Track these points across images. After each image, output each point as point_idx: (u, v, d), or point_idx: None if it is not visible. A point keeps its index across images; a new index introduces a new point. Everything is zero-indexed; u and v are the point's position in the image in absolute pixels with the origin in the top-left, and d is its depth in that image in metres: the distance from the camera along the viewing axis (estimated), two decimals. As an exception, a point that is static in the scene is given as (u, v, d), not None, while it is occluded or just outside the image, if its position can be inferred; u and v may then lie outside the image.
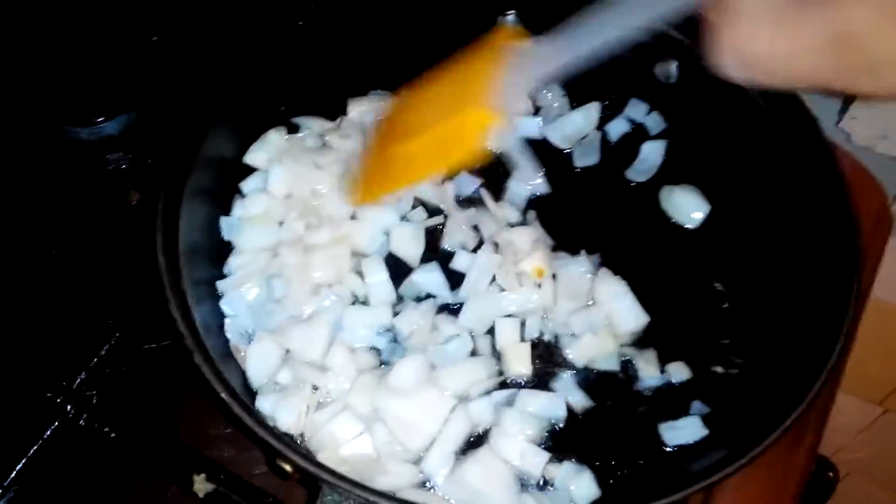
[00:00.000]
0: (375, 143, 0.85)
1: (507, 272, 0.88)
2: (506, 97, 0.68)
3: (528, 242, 0.91)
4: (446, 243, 0.93)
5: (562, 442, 0.81)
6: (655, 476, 0.78)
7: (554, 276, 0.89)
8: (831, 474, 0.94)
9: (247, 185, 0.93)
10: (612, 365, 0.86)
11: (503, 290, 0.88)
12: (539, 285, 0.88)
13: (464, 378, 0.82)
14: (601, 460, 0.79)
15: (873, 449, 1.67)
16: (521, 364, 0.85)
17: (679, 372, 0.85)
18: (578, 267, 0.89)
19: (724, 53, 0.49)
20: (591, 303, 0.88)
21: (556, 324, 0.88)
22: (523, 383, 0.85)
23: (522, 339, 0.87)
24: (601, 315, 0.87)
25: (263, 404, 0.80)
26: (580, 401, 0.83)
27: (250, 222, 0.90)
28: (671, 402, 0.83)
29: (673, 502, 0.67)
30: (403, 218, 0.94)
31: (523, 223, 0.95)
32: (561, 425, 0.82)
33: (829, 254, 0.78)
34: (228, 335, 0.83)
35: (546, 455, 0.78)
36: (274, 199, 0.92)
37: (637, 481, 0.78)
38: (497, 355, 0.86)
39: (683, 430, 0.80)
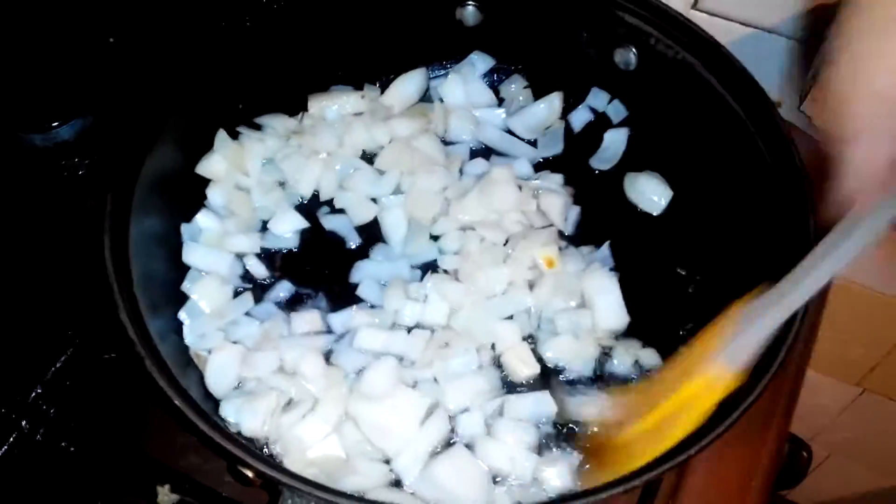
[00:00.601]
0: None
1: (518, 259, 0.87)
2: (738, 353, 0.67)
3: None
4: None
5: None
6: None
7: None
8: (805, 454, 0.94)
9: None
10: (586, 370, 0.85)
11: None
12: (531, 286, 0.88)
13: (468, 392, 0.81)
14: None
15: (853, 430, 1.68)
16: (526, 366, 0.84)
17: (650, 358, 0.85)
18: (577, 263, 0.89)
19: None
20: (578, 303, 0.88)
21: (542, 320, 0.87)
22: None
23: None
24: (588, 317, 0.86)
25: (227, 409, 0.78)
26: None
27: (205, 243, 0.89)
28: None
29: (647, 481, 0.66)
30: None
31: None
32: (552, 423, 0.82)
33: (785, 236, 0.78)
34: (187, 341, 0.82)
35: (535, 458, 0.78)
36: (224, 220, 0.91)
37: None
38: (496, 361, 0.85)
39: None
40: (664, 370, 0.78)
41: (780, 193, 0.80)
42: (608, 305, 0.86)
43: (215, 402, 0.80)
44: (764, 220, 0.83)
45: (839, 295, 1.33)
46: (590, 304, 0.87)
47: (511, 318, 0.87)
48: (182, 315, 0.84)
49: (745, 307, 0.68)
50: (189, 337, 0.83)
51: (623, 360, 0.85)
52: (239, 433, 0.77)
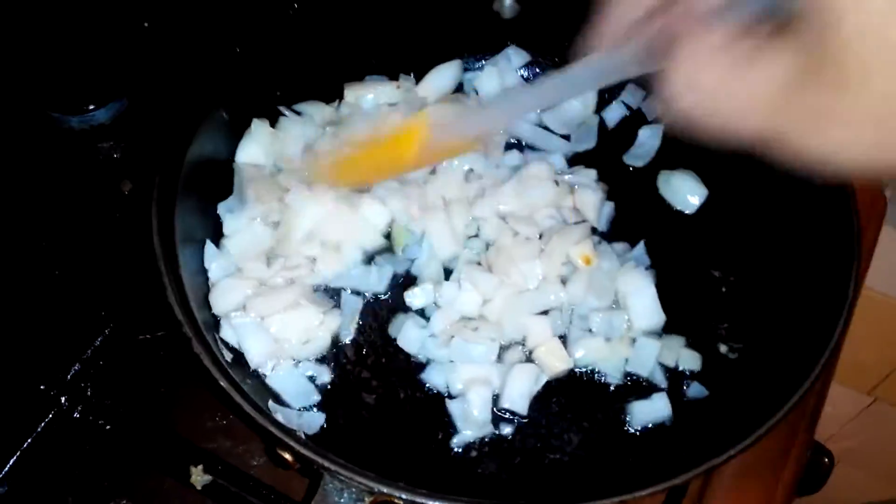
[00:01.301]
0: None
1: (552, 254, 0.88)
2: (449, 128, 0.73)
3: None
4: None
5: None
6: (652, 461, 0.79)
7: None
8: (827, 460, 0.94)
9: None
10: (615, 373, 0.85)
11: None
12: (564, 282, 0.88)
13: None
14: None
15: (863, 438, 1.68)
16: (559, 360, 0.84)
17: (689, 360, 0.85)
18: (612, 261, 0.89)
19: (676, 89, 0.47)
20: (612, 301, 0.88)
21: (574, 317, 0.87)
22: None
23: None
24: (621, 318, 0.86)
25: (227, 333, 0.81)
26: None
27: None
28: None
29: (674, 486, 0.67)
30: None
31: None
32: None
33: (826, 240, 0.78)
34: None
35: None
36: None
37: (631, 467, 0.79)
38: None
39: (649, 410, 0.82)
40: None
41: (819, 194, 0.80)
42: (644, 304, 0.86)
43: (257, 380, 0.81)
44: (801, 221, 0.83)
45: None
46: (624, 303, 0.87)
47: (545, 313, 0.87)
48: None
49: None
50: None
51: (666, 358, 0.85)
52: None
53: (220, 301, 0.82)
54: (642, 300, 0.86)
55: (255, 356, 0.80)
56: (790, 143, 0.44)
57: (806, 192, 0.83)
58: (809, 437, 0.87)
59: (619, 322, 0.86)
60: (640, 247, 0.91)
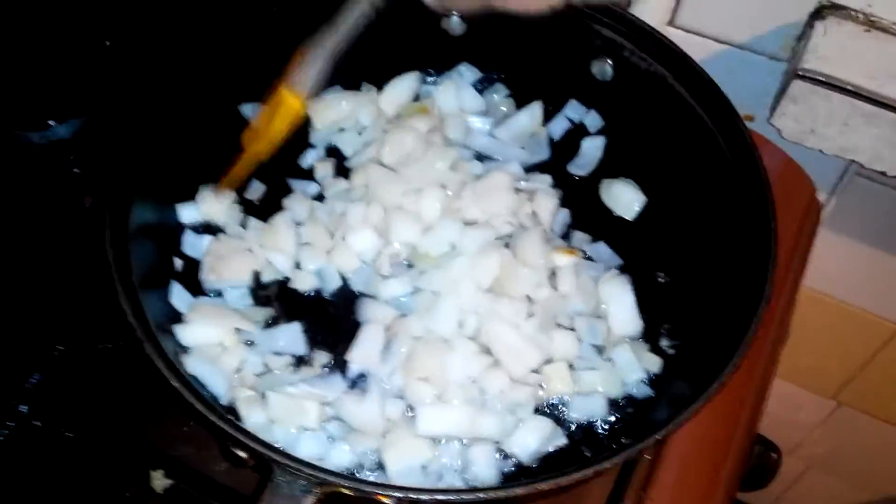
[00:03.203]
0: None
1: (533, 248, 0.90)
2: (304, 77, 0.82)
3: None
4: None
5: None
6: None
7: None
8: (774, 455, 0.97)
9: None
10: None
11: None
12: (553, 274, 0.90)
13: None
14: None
15: (830, 443, 1.70)
16: (562, 383, 0.85)
17: (652, 364, 0.88)
18: (596, 268, 0.92)
19: None
20: (594, 307, 0.90)
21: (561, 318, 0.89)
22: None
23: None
24: (604, 326, 0.89)
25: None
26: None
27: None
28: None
29: (625, 460, 0.71)
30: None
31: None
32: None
33: (748, 238, 0.82)
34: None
35: None
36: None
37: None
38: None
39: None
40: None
41: (744, 197, 0.85)
42: (623, 311, 0.89)
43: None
44: (730, 223, 0.87)
45: (815, 308, 1.38)
46: (605, 310, 0.90)
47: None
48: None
49: (305, 50, 0.83)
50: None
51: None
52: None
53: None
54: (622, 307, 0.89)
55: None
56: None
57: (733, 196, 0.87)
58: (751, 430, 0.90)
59: (601, 328, 0.89)
60: (604, 246, 0.95)
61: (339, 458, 0.80)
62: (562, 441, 0.83)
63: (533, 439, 0.81)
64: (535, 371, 0.86)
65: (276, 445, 0.67)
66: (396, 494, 0.64)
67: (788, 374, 1.55)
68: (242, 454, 0.68)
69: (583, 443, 0.83)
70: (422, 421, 0.81)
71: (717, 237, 0.90)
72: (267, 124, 0.85)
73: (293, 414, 0.80)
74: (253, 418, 0.80)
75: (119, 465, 0.85)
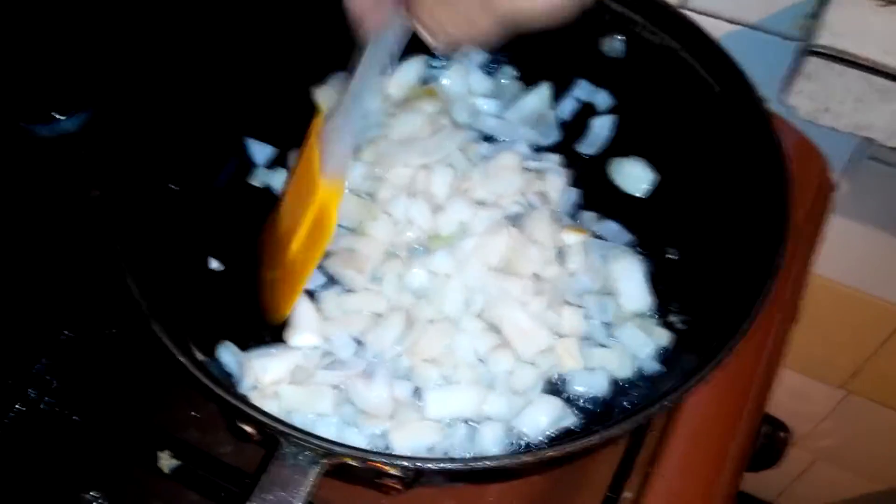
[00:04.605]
0: (266, 263, 0.89)
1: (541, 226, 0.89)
2: (333, 160, 0.78)
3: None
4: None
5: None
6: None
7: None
8: (783, 434, 0.96)
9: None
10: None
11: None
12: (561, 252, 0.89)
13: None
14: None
15: (839, 433, 1.69)
16: (572, 358, 0.85)
17: (662, 338, 0.87)
18: (603, 246, 0.91)
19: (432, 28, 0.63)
20: (602, 285, 0.90)
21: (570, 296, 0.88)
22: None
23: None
24: (614, 303, 0.88)
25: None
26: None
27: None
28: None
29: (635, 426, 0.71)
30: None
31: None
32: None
33: (763, 215, 0.81)
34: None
35: None
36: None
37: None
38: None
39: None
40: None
41: (760, 172, 0.83)
42: (633, 287, 0.89)
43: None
44: (745, 200, 0.86)
45: (824, 295, 1.37)
46: (614, 287, 0.89)
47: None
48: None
49: (321, 128, 0.80)
50: None
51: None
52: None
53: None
54: (632, 283, 0.89)
55: None
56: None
57: (748, 172, 0.86)
58: (759, 407, 0.89)
59: (611, 305, 0.88)
60: (613, 224, 0.95)
61: (349, 441, 0.79)
62: (571, 420, 0.83)
63: (543, 419, 0.81)
64: (544, 351, 0.85)
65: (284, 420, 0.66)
66: (403, 464, 0.63)
67: (798, 364, 1.55)
68: (248, 428, 0.68)
69: (593, 422, 0.82)
70: (430, 404, 0.81)
71: (729, 212, 0.88)
72: (304, 227, 0.80)
73: (310, 401, 0.80)
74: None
75: (126, 447, 0.84)
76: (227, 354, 0.83)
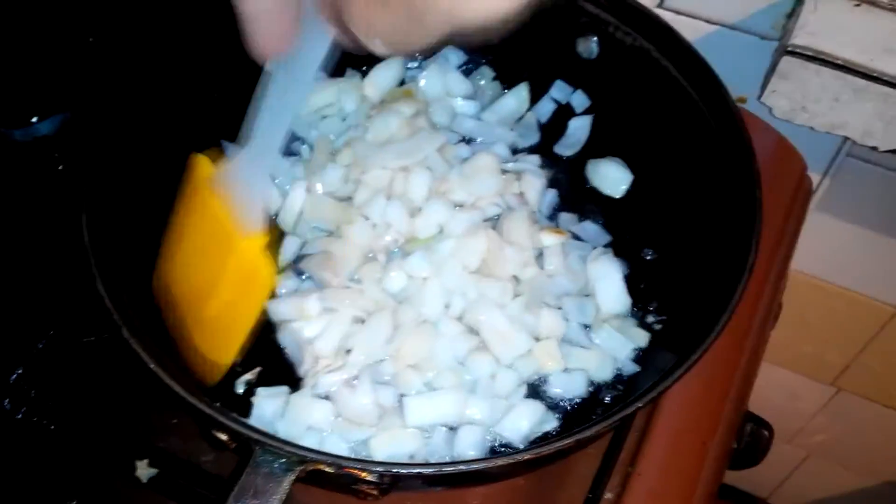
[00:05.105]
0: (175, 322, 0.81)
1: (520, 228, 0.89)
2: (250, 211, 0.72)
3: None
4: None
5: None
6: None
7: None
8: (766, 433, 0.96)
9: None
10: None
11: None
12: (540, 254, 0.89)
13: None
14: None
15: (830, 429, 1.70)
16: (551, 359, 0.85)
17: (640, 339, 0.87)
18: (582, 248, 0.91)
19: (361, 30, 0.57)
20: (582, 287, 0.89)
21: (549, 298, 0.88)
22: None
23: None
24: (593, 306, 0.88)
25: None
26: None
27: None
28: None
29: (620, 420, 0.70)
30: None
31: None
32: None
33: (735, 212, 0.81)
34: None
35: None
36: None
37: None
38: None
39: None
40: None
41: (731, 172, 0.84)
42: (611, 289, 0.88)
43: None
44: (717, 195, 0.86)
45: (811, 293, 1.37)
46: (593, 288, 0.89)
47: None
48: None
49: (222, 176, 0.72)
50: None
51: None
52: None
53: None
54: (610, 285, 0.88)
55: None
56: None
57: (720, 171, 0.86)
58: (740, 406, 0.89)
59: (590, 307, 0.88)
60: (591, 226, 0.95)
61: (332, 449, 0.79)
62: (553, 424, 0.82)
63: (525, 423, 0.80)
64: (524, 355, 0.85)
65: (257, 427, 0.65)
66: (377, 469, 0.63)
67: (787, 362, 1.55)
68: (222, 436, 0.67)
69: (571, 424, 0.82)
70: (410, 412, 0.80)
71: (704, 211, 0.89)
72: (224, 284, 0.75)
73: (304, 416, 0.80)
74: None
75: (103, 457, 0.84)
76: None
